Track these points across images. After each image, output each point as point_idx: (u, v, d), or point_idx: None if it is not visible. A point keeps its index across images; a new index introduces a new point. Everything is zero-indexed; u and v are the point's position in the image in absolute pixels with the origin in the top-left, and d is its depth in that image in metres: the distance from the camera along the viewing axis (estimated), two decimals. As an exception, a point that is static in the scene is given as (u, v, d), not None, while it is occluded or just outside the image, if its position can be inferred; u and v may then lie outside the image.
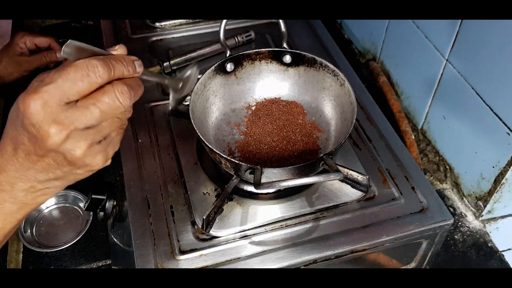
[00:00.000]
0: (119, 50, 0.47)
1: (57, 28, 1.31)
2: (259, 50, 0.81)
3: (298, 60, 0.81)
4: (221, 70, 0.79)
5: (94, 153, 0.46)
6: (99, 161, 0.47)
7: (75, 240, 0.82)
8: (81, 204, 0.87)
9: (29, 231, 0.84)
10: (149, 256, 0.66)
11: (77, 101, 0.44)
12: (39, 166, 0.45)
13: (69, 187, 0.86)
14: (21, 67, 1.04)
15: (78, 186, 0.86)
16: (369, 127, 0.84)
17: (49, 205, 0.89)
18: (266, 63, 0.82)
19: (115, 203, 0.77)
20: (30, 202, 0.48)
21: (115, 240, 0.79)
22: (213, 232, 0.68)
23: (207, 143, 0.66)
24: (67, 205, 0.89)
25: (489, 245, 0.81)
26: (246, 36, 1.02)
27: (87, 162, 0.46)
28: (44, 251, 0.81)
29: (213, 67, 0.77)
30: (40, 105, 0.42)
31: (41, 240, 0.83)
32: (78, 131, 0.44)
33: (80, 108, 0.43)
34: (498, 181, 0.76)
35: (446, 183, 0.88)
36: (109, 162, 0.49)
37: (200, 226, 0.68)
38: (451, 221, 0.71)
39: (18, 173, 0.46)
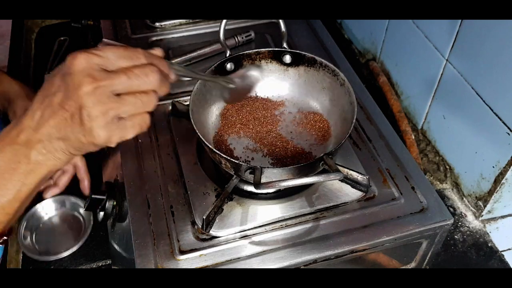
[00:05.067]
0: (157, 51, 0.53)
1: (57, 28, 1.31)
2: (259, 50, 0.81)
3: (298, 60, 0.81)
4: (221, 70, 0.79)
5: (104, 124, 0.47)
6: (103, 135, 0.48)
7: (76, 248, 0.81)
8: (81, 210, 0.86)
9: (28, 238, 0.82)
10: (149, 256, 0.66)
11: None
12: (55, 120, 0.48)
13: (69, 192, 0.85)
14: None
15: (78, 191, 0.85)
16: (369, 127, 0.84)
17: (49, 212, 0.86)
18: (266, 63, 0.82)
19: (115, 203, 0.77)
20: (42, 162, 0.50)
21: (115, 240, 0.79)
22: (213, 232, 0.68)
23: (207, 143, 0.66)
24: (67, 211, 0.87)
25: (489, 245, 0.81)
26: (246, 36, 1.02)
27: (94, 129, 0.47)
28: (45, 260, 0.80)
29: (213, 67, 0.77)
30: (84, 59, 0.47)
31: (41, 248, 0.82)
32: (105, 90, 0.47)
33: (113, 73, 0.48)
34: (498, 181, 0.76)
35: (446, 183, 0.88)
36: (111, 144, 0.49)
37: (200, 226, 0.68)
38: (451, 221, 0.71)
39: (34, 129, 0.49)
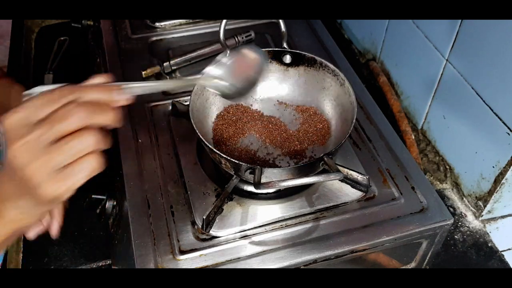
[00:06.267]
0: (101, 78, 0.48)
1: (57, 28, 1.31)
2: (259, 50, 0.81)
3: (298, 60, 0.81)
4: (221, 70, 0.79)
5: (47, 177, 0.44)
6: (50, 188, 0.44)
7: None
8: None
9: None
10: (149, 256, 0.66)
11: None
12: (8, 183, 0.47)
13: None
14: None
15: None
16: (369, 127, 0.84)
17: None
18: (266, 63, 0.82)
19: (115, 203, 0.77)
20: (14, 219, 0.49)
21: (115, 240, 0.79)
22: (213, 232, 0.68)
23: (207, 143, 0.66)
24: None
25: (489, 245, 0.81)
26: (246, 36, 1.02)
27: (40, 185, 0.44)
28: None
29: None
30: (7, 120, 0.44)
31: None
32: (33, 145, 0.43)
33: (37, 124, 0.44)
34: (498, 181, 0.76)
35: (446, 183, 0.88)
36: (64, 196, 0.45)
37: (200, 226, 0.68)
38: (451, 221, 0.71)
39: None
